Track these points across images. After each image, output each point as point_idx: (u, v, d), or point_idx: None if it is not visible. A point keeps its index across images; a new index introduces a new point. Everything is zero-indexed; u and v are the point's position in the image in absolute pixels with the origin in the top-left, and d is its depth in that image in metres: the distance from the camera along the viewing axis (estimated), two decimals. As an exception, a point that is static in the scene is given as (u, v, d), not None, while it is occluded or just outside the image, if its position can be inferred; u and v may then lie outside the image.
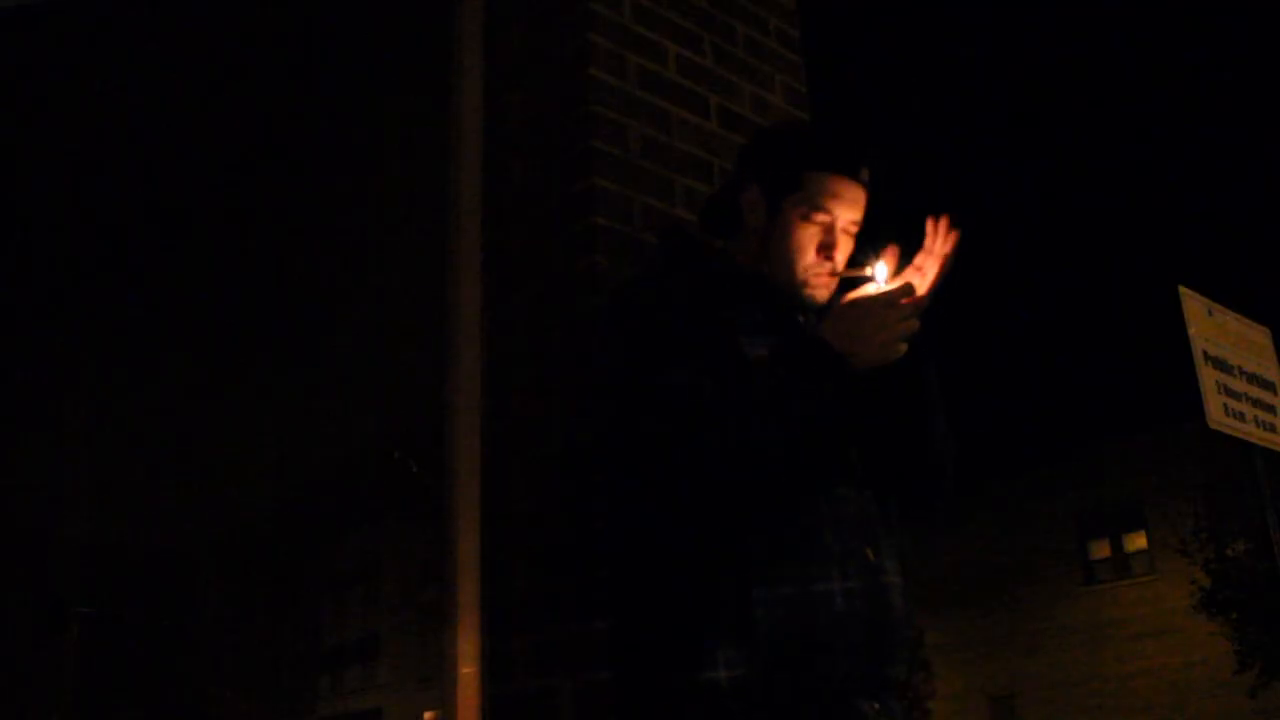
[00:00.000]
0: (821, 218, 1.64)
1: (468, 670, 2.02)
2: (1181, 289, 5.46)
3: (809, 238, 1.65)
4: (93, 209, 2.43)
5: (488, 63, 2.43)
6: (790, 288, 1.67)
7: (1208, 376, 5.30)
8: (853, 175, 1.67)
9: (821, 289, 1.66)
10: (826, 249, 1.65)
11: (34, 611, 2.16)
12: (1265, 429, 5.54)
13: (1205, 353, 5.36)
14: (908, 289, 1.49)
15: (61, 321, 2.34)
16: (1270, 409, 5.64)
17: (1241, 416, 5.40)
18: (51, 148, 2.42)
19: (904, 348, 1.49)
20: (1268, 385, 5.72)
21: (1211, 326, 5.51)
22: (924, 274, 1.54)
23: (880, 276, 1.53)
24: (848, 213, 1.66)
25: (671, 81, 2.26)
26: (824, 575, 1.50)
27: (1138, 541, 21.56)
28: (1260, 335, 5.86)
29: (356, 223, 2.80)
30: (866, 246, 1.68)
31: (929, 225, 1.57)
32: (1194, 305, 5.48)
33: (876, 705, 1.52)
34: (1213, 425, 5.26)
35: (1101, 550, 22.14)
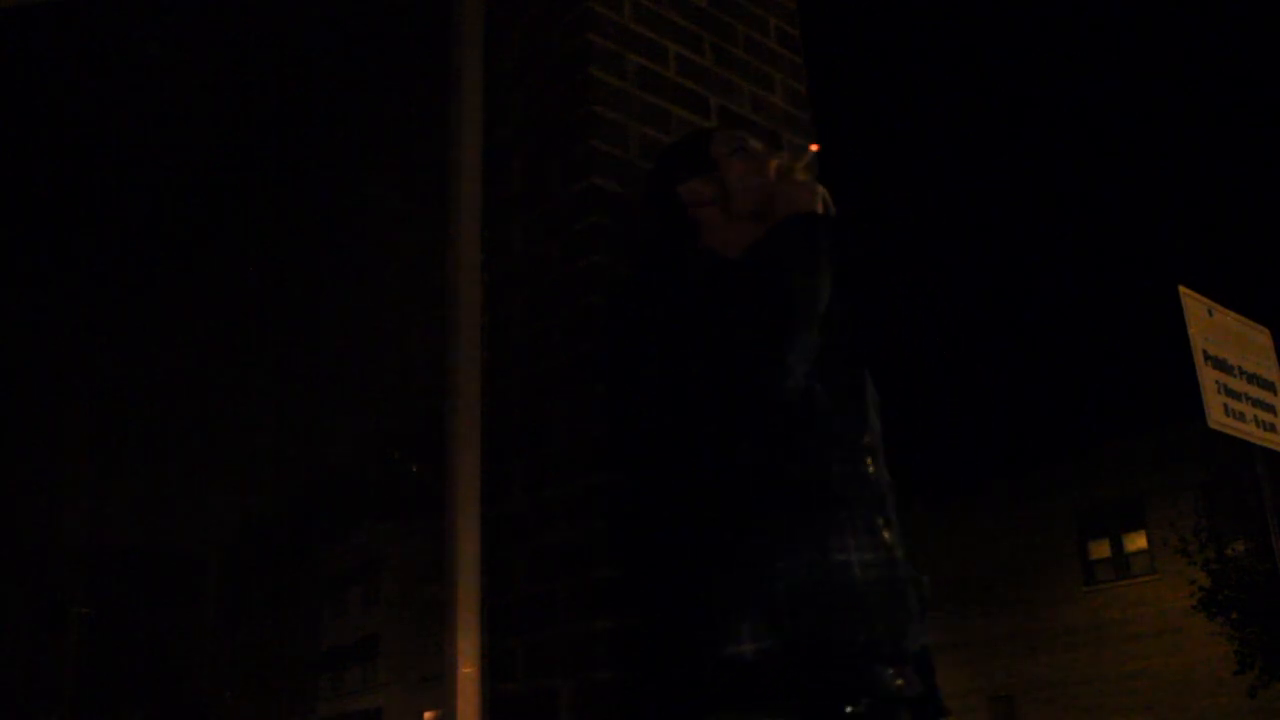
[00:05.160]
0: (744, 137, 1.89)
1: (468, 670, 2.02)
2: (1181, 289, 5.46)
3: (751, 159, 1.84)
4: (92, 209, 2.43)
5: (488, 63, 2.43)
6: (776, 202, 1.77)
7: (1208, 376, 5.30)
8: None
9: (801, 177, 1.81)
10: (767, 155, 1.86)
11: (34, 611, 2.16)
12: (1265, 429, 5.54)
13: (1205, 353, 5.36)
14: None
15: (61, 321, 2.34)
16: (1270, 409, 5.64)
17: (1241, 416, 5.40)
18: (49, 148, 2.42)
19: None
20: (1268, 385, 5.72)
21: (1211, 326, 5.51)
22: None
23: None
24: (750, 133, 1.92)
25: (671, 81, 2.26)
26: (841, 546, 1.52)
27: (1138, 541, 21.56)
28: (1260, 335, 5.86)
29: (356, 223, 2.80)
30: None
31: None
32: (1194, 305, 5.48)
33: (897, 675, 1.52)
34: (1213, 425, 5.26)
35: (1101, 550, 22.14)
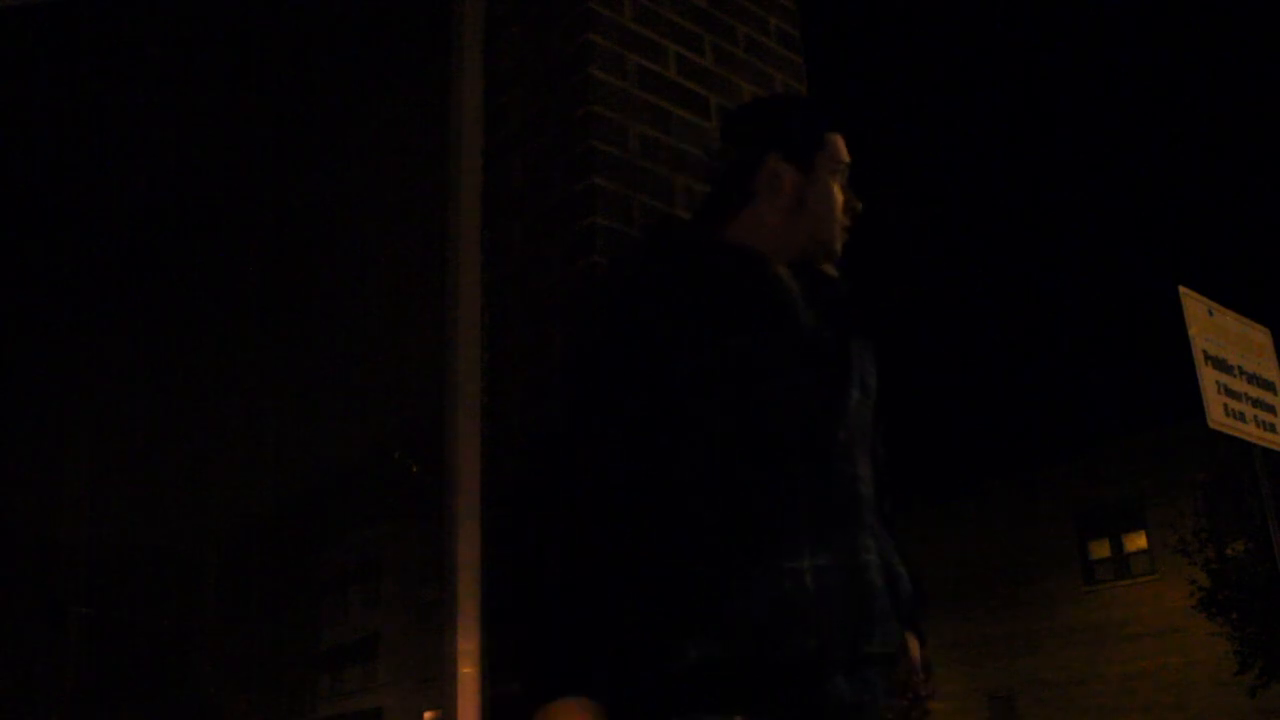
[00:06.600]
0: (844, 170, 1.78)
1: (468, 670, 2.02)
2: (1181, 289, 5.46)
3: (838, 194, 1.76)
4: (92, 209, 2.43)
5: (488, 63, 2.43)
6: (824, 243, 1.75)
7: (1208, 376, 5.30)
8: (844, 133, 1.83)
9: (842, 240, 1.78)
10: (850, 205, 1.78)
11: (33, 611, 2.16)
12: (1265, 429, 5.54)
13: (1205, 353, 5.37)
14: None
15: (60, 321, 2.34)
16: (1270, 409, 5.64)
17: (1241, 416, 5.40)
18: (48, 149, 2.42)
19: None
20: (1268, 385, 5.72)
21: (1211, 326, 5.51)
22: None
23: None
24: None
25: (671, 81, 2.26)
26: (794, 553, 1.49)
27: (1138, 541, 21.57)
28: (1260, 335, 5.87)
29: (356, 222, 2.80)
30: None
31: None
32: (1194, 305, 5.48)
33: (850, 680, 1.51)
34: (1213, 425, 5.26)
35: (1101, 550, 22.14)
